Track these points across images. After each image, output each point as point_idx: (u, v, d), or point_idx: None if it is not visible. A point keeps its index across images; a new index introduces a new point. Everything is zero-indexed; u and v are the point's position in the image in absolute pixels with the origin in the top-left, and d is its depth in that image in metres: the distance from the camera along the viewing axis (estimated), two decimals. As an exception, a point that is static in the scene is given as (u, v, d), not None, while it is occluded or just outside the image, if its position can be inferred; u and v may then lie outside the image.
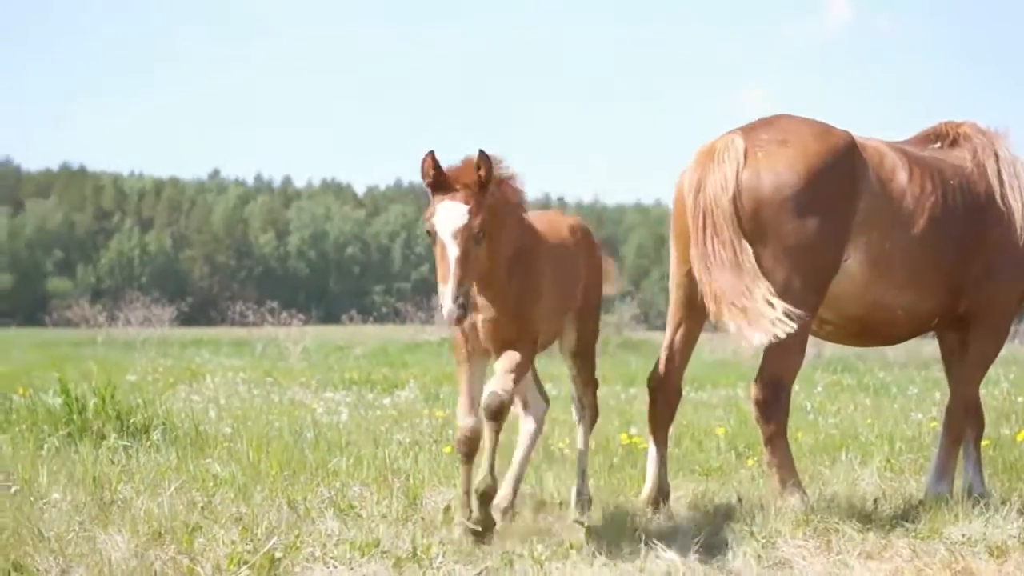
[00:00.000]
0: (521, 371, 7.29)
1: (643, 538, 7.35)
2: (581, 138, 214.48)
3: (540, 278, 7.43)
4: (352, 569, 6.70)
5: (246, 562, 6.42)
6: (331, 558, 6.84)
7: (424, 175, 6.91)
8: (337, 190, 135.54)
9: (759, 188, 8.09)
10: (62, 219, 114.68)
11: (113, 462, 9.80)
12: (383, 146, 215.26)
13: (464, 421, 7.32)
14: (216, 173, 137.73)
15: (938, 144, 8.96)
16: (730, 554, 6.96)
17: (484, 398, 7.17)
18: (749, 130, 8.35)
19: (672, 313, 8.61)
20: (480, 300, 7.20)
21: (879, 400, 16.51)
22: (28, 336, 53.45)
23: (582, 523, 7.39)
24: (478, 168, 6.89)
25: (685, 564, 6.78)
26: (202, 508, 7.96)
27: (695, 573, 6.62)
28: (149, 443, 10.64)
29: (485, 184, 6.89)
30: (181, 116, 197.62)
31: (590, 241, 8.24)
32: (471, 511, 7.21)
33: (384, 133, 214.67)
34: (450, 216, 6.79)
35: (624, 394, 17.26)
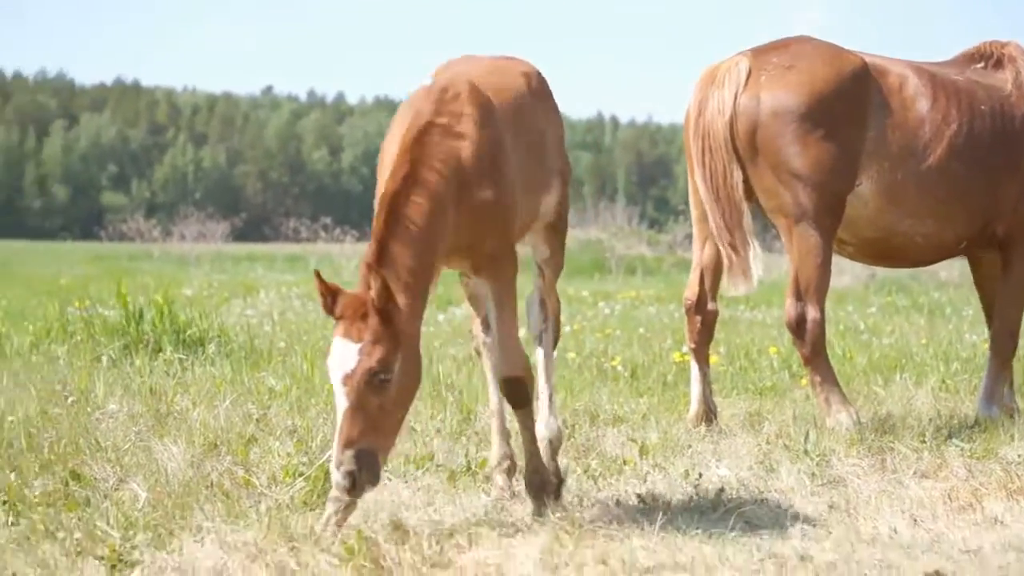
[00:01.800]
0: (513, 307, 6.02)
1: (696, 455, 7.38)
2: (635, 56, 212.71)
3: (508, 169, 5.85)
4: (407, 482, 6.73)
5: (301, 474, 6.44)
6: (386, 471, 6.86)
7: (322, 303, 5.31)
8: (390, 107, 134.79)
9: (757, 112, 8.06)
10: (116, 134, 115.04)
11: (169, 374, 9.89)
12: (435, 62, 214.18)
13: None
14: (269, 89, 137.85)
15: (981, 64, 8.69)
16: (784, 471, 6.94)
17: (501, 382, 6.06)
18: (760, 52, 8.28)
19: (696, 231, 8.61)
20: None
21: (933, 321, 16.33)
22: (84, 249, 53.84)
23: (635, 440, 7.33)
24: (369, 288, 5.17)
25: (738, 480, 6.78)
26: (257, 420, 8.02)
27: (748, 489, 6.60)
28: (205, 356, 10.72)
29: (383, 310, 5.15)
30: (235, 31, 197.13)
31: (546, 90, 6.58)
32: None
33: (437, 49, 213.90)
34: (338, 357, 5.20)
35: (677, 312, 17.17)
